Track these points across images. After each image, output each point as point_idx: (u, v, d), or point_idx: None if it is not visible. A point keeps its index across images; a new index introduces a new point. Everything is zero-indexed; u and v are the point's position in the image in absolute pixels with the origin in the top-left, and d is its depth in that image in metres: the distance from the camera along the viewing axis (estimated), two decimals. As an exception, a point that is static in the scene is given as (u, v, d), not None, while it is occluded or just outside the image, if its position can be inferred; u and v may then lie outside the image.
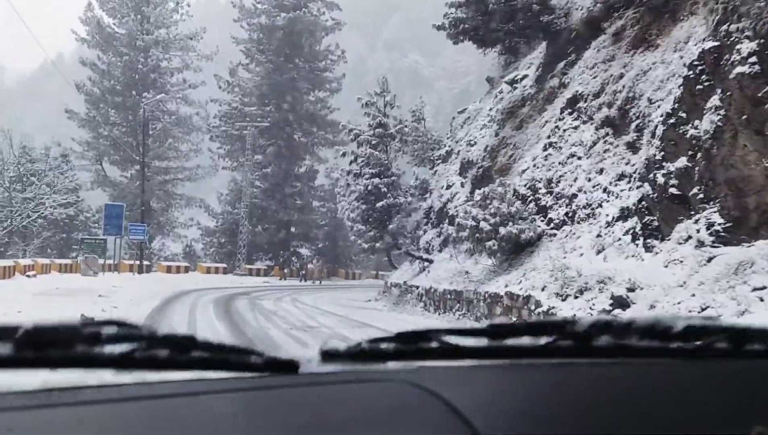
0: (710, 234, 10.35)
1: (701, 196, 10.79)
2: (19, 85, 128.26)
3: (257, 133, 48.92)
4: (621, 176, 13.55)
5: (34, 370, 0.82)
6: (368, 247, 24.58)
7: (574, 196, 14.76)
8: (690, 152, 11.06)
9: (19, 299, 15.42)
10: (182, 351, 0.87)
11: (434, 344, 0.99)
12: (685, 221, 10.96)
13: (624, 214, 12.71)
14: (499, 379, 1.02)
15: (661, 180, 11.65)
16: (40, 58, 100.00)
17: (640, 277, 10.65)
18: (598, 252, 12.73)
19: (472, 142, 23.08)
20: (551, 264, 13.09)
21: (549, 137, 16.83)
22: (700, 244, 10.34)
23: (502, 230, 14.91)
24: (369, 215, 23.81)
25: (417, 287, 19.86)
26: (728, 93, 10.47)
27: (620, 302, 10.34)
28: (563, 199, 15.15)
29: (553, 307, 11.72)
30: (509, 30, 19.23)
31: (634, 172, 13.04)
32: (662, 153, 11.77)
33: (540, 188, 16.18)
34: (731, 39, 10.41)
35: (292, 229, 50.81)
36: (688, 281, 9.87)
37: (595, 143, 14.88)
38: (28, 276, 25.98)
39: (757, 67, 9.81)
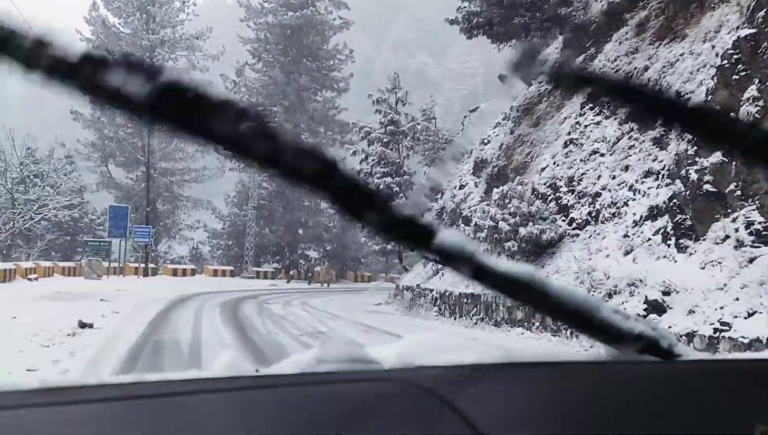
0: (749, 233, 9.87)
1: (738, 192, 10.32)
2: (23, 85, 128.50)
3: (264, 134, 48.56)
4: (648, 173, 12.95)
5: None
6: (379, 248, 24.07)
7: (598, 194, 14.14)
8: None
9: (16, 304, 14.84)
10: None
11: None
12: (722, 220, 10.41)
13: (653, 213, 12.09)
14: (500, 378, 0.96)
15: (694, 176, 11.13)
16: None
17: (675, 280, 10.02)
18: (627, 253, 12.06)
19: (485, 141, 22.46)
20: (576, 265, 12.45)
21: (569, 133, 16.25)
22: (740, 243, 9.79)
23: (522, 230, 14.30)
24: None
25: (431, 290, 19.17)
26: (767, 82, 10.02)
27: (655, 306, 9.70)
28: (586, 198, 14.52)
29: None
30: (525, 23, 18.69)
31: (663, 169, 12.44)
32: (695, 148, 11.14)
33: (561, 187, 15.55)
34: (770, 25, 9.94)
35: (300, 231, 50.42)
36: (729, 284, 9.30)
37: (619, 139, 14.28)
38: (29, 279, 25.51)
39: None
